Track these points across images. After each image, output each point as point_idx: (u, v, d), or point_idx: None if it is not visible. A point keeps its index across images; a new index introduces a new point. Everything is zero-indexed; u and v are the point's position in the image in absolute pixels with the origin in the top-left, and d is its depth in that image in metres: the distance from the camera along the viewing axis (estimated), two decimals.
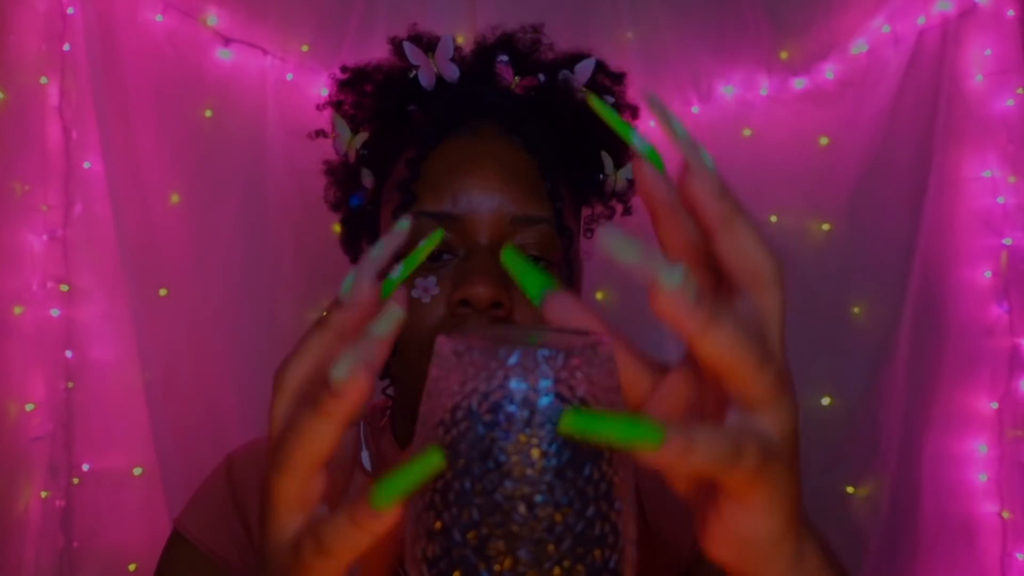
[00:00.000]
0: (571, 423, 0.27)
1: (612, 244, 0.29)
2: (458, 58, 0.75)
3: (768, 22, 1.36)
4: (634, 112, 0.81)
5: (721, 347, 0.28)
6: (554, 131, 0.71)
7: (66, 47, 1.16)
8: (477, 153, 0.66)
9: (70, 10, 1.17)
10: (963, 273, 1.30)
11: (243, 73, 1.29)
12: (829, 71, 1.36)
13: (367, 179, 0.75)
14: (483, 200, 0.63)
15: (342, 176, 0.80)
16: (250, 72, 1.29)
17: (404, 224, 0.33)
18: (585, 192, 0.78)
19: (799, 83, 1.37)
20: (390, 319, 0.32)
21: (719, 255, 0.31)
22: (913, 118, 1.32)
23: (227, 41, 1.27)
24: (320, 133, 0.81)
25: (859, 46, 1.35)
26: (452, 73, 0.73)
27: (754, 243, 0.30)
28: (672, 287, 0.27)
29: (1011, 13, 1.28)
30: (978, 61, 1.29)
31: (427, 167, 0.65)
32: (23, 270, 1.14)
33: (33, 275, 1.15)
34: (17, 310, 1.12)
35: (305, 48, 1.31)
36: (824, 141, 1.36)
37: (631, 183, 0.78)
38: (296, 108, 1.30)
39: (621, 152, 0.78)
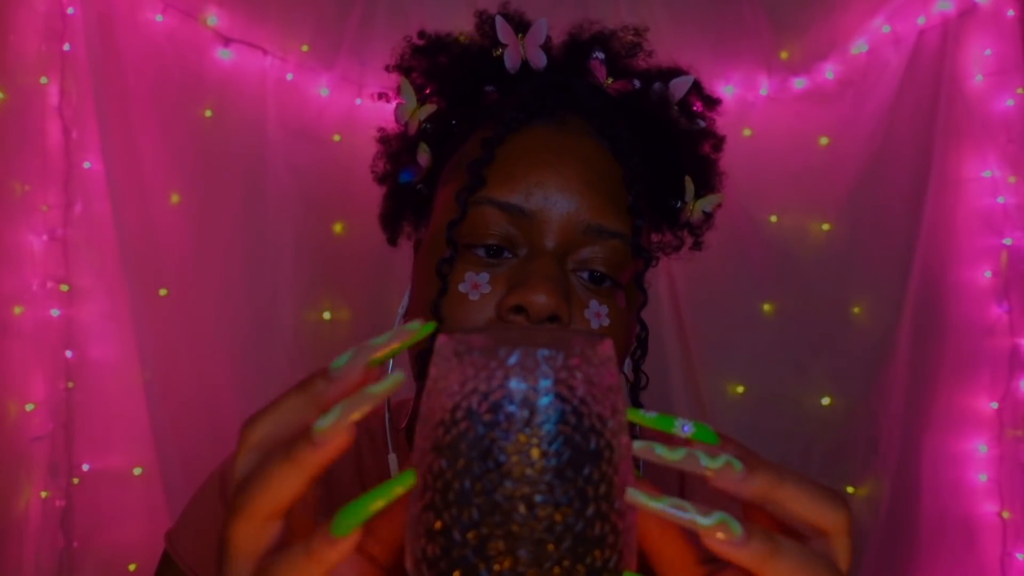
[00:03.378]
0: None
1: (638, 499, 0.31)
2: (546, 48, 0.68)
3: (768, 22, 1.36)
4: (717, 144, 0.73)
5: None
6: (641, 143, 0.65)
7: (66, 47, 1.16)
8: (561, 147, 0.59)
9: (70, 10, 1.17)
10: (963, 273, 1.30)
11: (243, 73, 1.29)
12: (829, 71, 1.36)
13: (423, 155, 0.69)
14: (559, 200, 0.56)
15: (396, 148, 0.73)
16: (250, 72, 1.29)
17: (420, 328, 0.32)
18: (659, 215, 0.71)
19: (799, 83, 1.37)
20: (392, 382, 0.32)
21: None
22: (913, 118, 1.32)
23: (227, 41, 1.27)
24: (382, 96, 0.75)
25: (859, 46, 1.35)
26: (540, 60, 0.67)
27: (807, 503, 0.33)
28: (708, 524, 0.30)
29: (1011, 13, 1.28)
30: (978, 61, 1.29)
31: (503, 151, 0.59)
32: (23, 270, 1.14)
33: (33, 275, 1.15)
34: (17, 310, 1.12)
35: (305, 48, 1.31)
36: (824, 141, 1.36)
37: (708, 216, 0.72)
38: (296, 108, 1.31)
39: (706, 182, 0.71)
